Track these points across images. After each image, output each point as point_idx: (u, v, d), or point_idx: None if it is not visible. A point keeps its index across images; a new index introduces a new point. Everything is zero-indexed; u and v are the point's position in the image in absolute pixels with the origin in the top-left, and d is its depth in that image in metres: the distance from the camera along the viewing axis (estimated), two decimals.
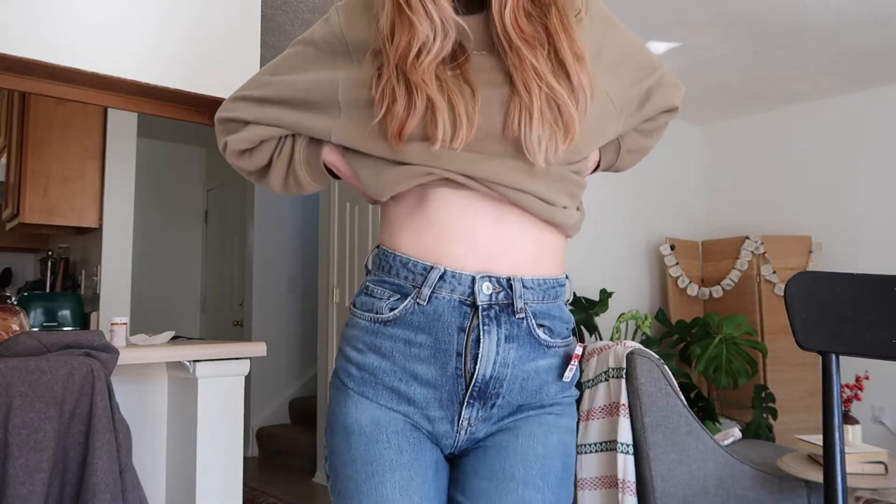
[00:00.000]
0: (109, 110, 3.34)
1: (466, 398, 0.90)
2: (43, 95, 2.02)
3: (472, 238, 0.89)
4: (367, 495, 0.89)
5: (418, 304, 0.89)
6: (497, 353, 0.89)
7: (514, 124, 0.84)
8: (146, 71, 1.89)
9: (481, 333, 0.88)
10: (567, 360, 0.95)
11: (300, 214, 5.19)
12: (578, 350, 0.95)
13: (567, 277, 0.97)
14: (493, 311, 0.88)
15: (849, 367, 3.82)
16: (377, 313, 0.92)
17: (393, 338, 0.90)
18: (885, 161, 4.10)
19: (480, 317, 0.88)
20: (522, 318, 0.89)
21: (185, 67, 1.96)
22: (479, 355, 0.88)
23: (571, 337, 0.98)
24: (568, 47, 0.85)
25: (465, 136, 0.84)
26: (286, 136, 0.98)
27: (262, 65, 3.89)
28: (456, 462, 0.97)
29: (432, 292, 0.88)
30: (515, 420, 0.93)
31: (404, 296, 0.90)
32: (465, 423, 0.91)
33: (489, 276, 0.88)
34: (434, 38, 0.83)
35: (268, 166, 1.01)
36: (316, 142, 0.97)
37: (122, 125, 3.42)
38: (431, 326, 0.89)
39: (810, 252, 4.20)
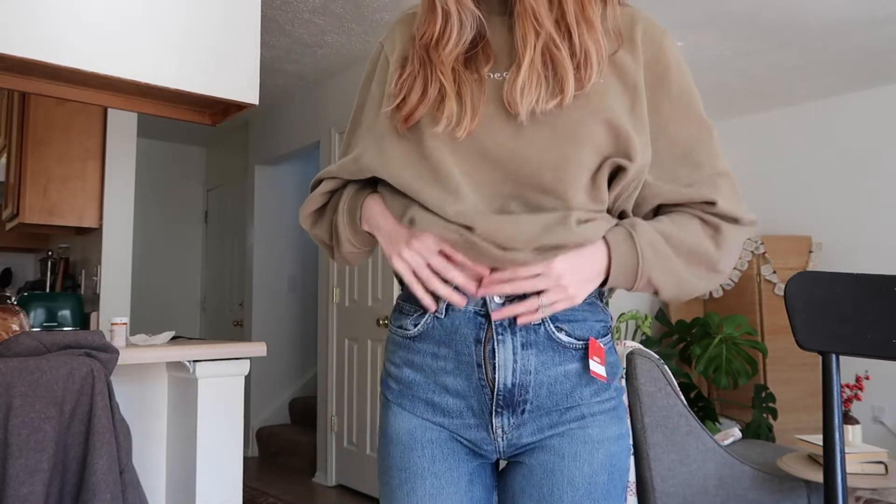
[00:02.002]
0: (109, 110, 3.34)
1: (493, 407, 0.90)
2: (43, 95, 2.02)
3: None
4: (400, 501, 0.93)
5: (437, 317, 0.91)
6: (515, 361, 0.88)
7: (507, 93, 0.85)
8: (146, 71, 1.89)
9: (495, 343, 0.88)
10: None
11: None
12: (602, 343, 0.92)
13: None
14: (506, 320, 0.88)
15: (849, 367, 3.82)
16: (405, 330, 0.95)
17: (421, 352, 0.94)
18: (886, 161, 4.09)
19: (493, 327, 0.88)
20: (539, 324, 0.89)
21: (185, 67, 1.96)
22: (497, 365, 0.88)
23: (609, 335, 0.94)
24: (574, 9, 0.85)
25: (469, 124, 0.85)
26: (340, 189, 0.99)
27: (261, 64, 3.90)
28: (506, 473, 0.97)
29: (448, 305, 0.90)
30: (559, 433, 0.91)
31: (425, 311, 0.92)
32: (500, 431, 0.91)
33: None
34: (453, 29, 0.88)
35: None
36: (362, 192, 0.97)
37: (122, 125, 3.42)
38: (451, 339, 0.91)
39: (810, 252, 4.20)
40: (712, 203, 0.88)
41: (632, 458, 2.32)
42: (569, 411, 0.91)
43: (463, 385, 0.91)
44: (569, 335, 0.90)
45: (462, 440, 0.93)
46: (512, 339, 0.88)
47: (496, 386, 0.89)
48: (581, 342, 0.90)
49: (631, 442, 0.93)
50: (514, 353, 0.88)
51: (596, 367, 0.90)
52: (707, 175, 0.89)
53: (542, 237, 0.82)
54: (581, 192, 0.84)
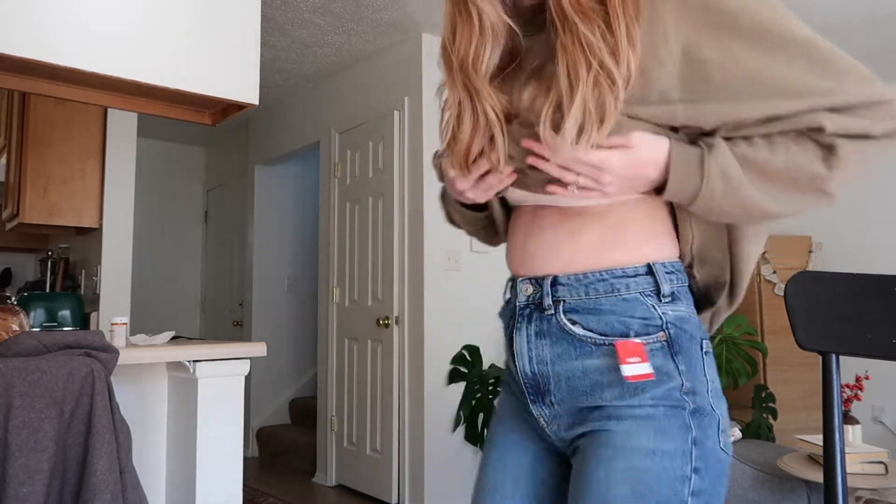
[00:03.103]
0: (109, 110, 3.34)
1: (528, 395, 0.92)
2: (43, 95, 2.02)
3: (517, 243, 0.95)
4: (480, 467, 0.98)
5: (503, 309, 0.99)
6: (530, 350, 0.90)
7: (547, 121, 0.81)
8: (146, 71, 1.89)
9: (514, 331, 0.92)
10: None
11: (300, 214, 5.19)
12: (637, 342, 0.84)
13: (650, 266, 0.86)
14: (528, 309, 0.91)
15: (849, 367, 3.81)
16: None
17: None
18: (886, 161, 4.09)
19: (516, 316, 0.92)
20: (551, 314, 0.88)
21: (185, 67, 1.96)
22: (514, 352, 0.92)
23: (648, 335, 0.84)
24: (624, 27, 0.78)
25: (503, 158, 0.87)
26: None
27: (261, 64, 3.90)
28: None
29: (506, 298, 0.98)
30: (588, 432, 0.86)
31: (508, 301, 1.00)
32: (542, 421, 0.92)
33: (528, 278, 0.91)
34: (487, 41, 0.87)
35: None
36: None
37: (122, 125, 3.42)
38: (505, 327, 0.98)
39: (810, 252, 4.20)
40: (819, 130, 0.78)
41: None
42: (595, 410, 0.86)
43: (512, 369, 0.95)
44: (584, 328, 0.86)
45: (529, 422, 0.95)
46: (527, 327, 0.90)
47: (519, 373, 0.91)
48: (602, 337, 0.85)
49: (690, 469, 0.80)
50: (528, 342, 0.90)
51: (630, 369, 0.82)
52: (814, 99, 0.78)
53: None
54: None
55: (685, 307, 0.87)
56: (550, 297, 0.88)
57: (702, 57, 0.78)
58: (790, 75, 0.78)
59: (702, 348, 0.87)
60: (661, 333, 0.84)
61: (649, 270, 0.86)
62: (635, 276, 0.86)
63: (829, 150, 0.79)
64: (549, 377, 0.88)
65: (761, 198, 0.81)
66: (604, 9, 0.79)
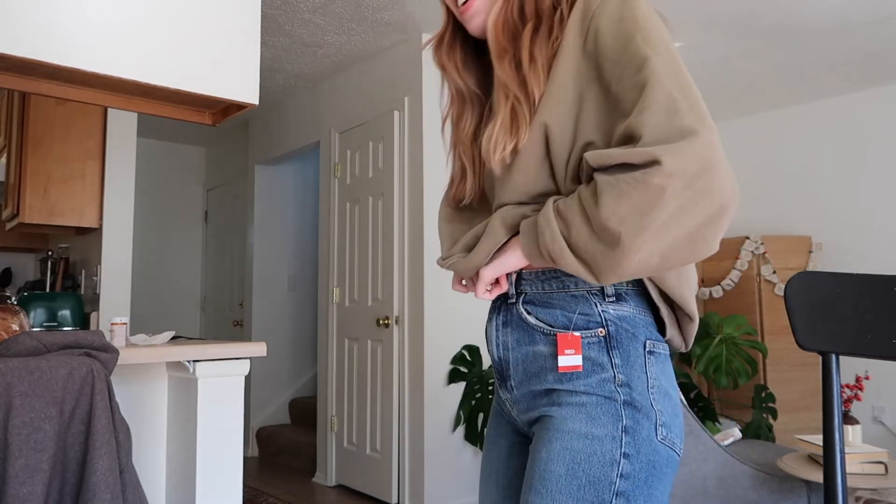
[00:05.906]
0: (109, 110, 3.34)
1: (497, 379, 1.04)
2: (43, 95, 2.02)
3: None
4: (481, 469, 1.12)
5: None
6: (497, 337, 1.02)
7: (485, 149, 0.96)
8: (146, 71, 1.89)
9: (488, 321, 1.05)
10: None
11: (300, 214, 5.19)
12: (576, 335, 0.92)
13: None
14: (498, 301, 1.03)
15: (849, 367, 3.82)
16: None
17: None
18: (886, 161, 4.09)
19: (492, 307, 1.05)
20: (513, 304, 1.00)
21: (185, 67, 1.96)
22: (487, 338, 1.04)
23: (587, 329, 0.93)
24: (527, 52, 0.92)
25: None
26: None
27: (261, 64, 3.90)
28: None
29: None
30: (539, 416, 0.96)
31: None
32: (508, 405, 1.03)
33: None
34: (467, 112, 1.07)
35: None
36: None
37: (122, 125, 3.42)
38: None
39: (810, 252, 4.20)
40: (588, 163, 0.84)
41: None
42: (544, 396, 0.95)
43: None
44: (536, 318, 0.97)
45: (504, 413, 1.06)
46: (496, 317, 1.03)
47: (492, 357, 1.03)
48: (549, 328, 0.95)
49: (620, 454, 0.87)
50: (497, 330, 1.02)
51: (564, 360, 0.92)
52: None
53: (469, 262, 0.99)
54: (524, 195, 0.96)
55: (631, 308, 0.94)
56: (514, 289, 1.00)
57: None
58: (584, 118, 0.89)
59: (645, 347, 0.93)
60: (601, 329, 0.93)
61: None
62: (571, 275, 0.95)
63: (594, 186, 0.83)
64: (509, 362, 1.00)
65: (579, 248, 0.84)
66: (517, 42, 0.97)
